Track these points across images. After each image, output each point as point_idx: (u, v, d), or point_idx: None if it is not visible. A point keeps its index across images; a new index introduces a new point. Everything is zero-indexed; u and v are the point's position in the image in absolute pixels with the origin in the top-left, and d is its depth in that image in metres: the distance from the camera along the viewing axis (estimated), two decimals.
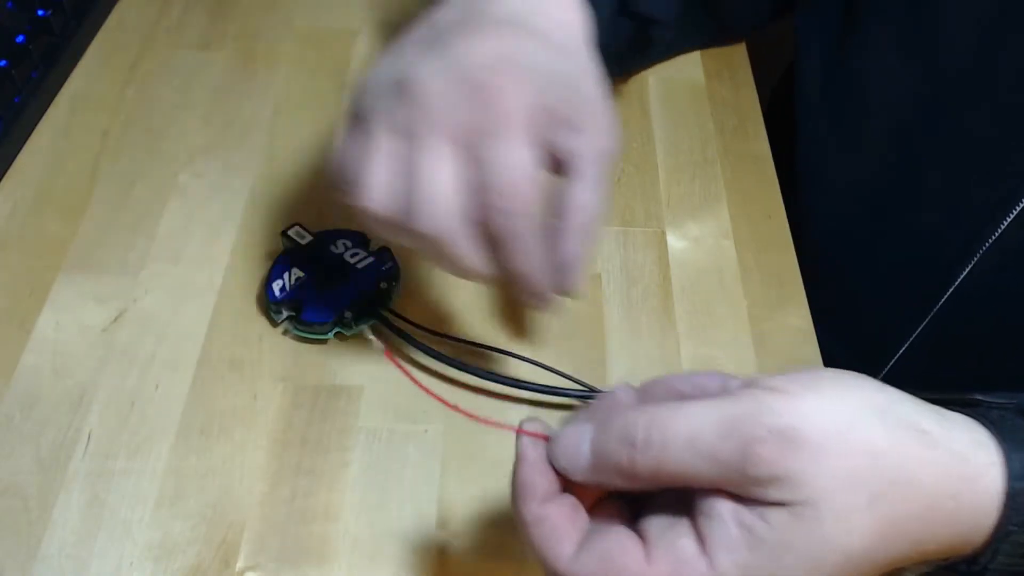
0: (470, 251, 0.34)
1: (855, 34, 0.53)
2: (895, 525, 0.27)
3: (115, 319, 0.45)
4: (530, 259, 0.34)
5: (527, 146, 0.33)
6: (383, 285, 0.46)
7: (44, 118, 0.54)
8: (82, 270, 0.47)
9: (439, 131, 0.33)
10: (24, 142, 0.53)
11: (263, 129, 0.55)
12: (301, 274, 0.46)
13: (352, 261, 0.46)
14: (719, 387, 0.30)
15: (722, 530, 0.27)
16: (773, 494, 0.26)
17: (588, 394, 0.43)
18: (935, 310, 0.52)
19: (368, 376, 0.44)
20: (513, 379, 0.43)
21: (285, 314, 0.45)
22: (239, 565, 0.38)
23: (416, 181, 0.33)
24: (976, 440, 0.28)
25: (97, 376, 0.43)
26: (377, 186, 0.34)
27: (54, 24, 0.55)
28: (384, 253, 0.47)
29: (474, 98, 0.33)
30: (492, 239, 0.34)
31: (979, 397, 0.31)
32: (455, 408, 0.32)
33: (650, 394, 0.31)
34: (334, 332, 0.45)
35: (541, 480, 0.29)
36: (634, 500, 0.30)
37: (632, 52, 0.52)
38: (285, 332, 0.45)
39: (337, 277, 0.47)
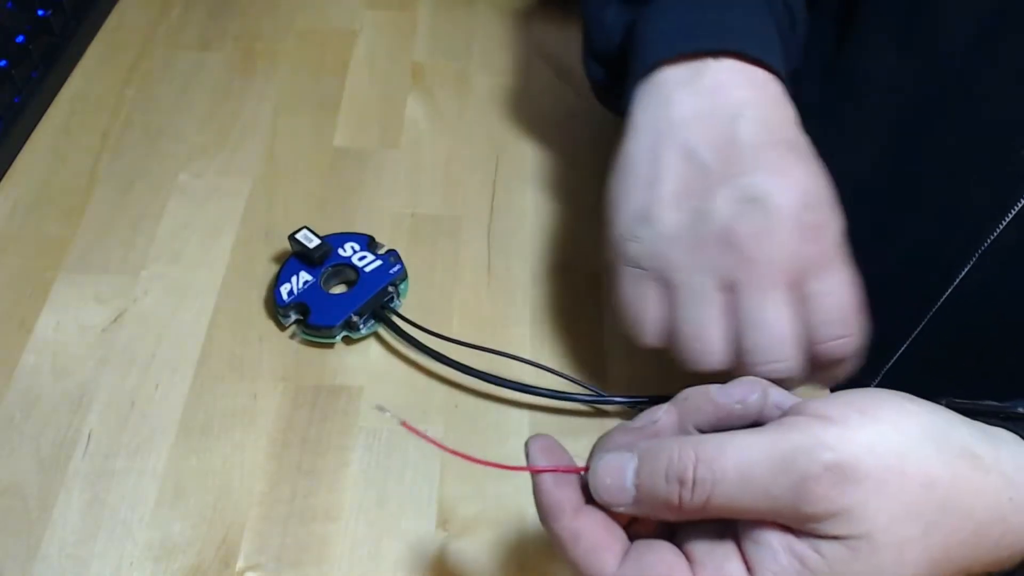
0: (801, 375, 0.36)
1: (854, 34, 0.53)
2: (946, 552, 0.26)
3: (115, 319, 0.45)
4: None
5: (846, 270, 0.36)
6: (390, 288, 0.46)
7: (44, 118, 0.54)
8: (82, 270, 0.47)
9: (773, 277, 0.35)
10: (24, 142, 0.53)
11: (263, 129, 0.55)
12: (309, 277, 0.46)
13: (360, 264, 0.46)
14: (760, 400, 0.29)
15: (772, 559, 0.26)
16: (828, 529, 0.25)
17: (595, 398, 0.43)
18: (934, 310, 0.52)
19: (368, 376, 0.44)
20: (518, 383, 0.43)
21: (293, 317, 0.45)
22: (239, 565, 0.38)
23: (759, 329, 0.35)
24: (1022, 463, 0.28)
25: (97, 376, 0.43)
26: (717, 342, 0.35)
27: (54, 24, 0.55)
28: (391, 256, 0.47)
29: (803, 238, 0.35)
30: (817, 362, 0.36)
31: (1021, 411, 0.30)
32: (468, 458, 0.31)
33: (689, 410, 0.30)
34: (341, 336, 0.45)
35: (567, 494, 0.29)
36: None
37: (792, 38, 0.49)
38: (293, 335, 0.45)
39: (345, 281, 0.47)
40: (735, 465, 0.26)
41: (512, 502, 0.41)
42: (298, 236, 0.46)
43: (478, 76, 0.59)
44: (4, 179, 0.51)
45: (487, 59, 0.60)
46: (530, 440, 0.30)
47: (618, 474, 0.28)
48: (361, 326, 0.44)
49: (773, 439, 0.26)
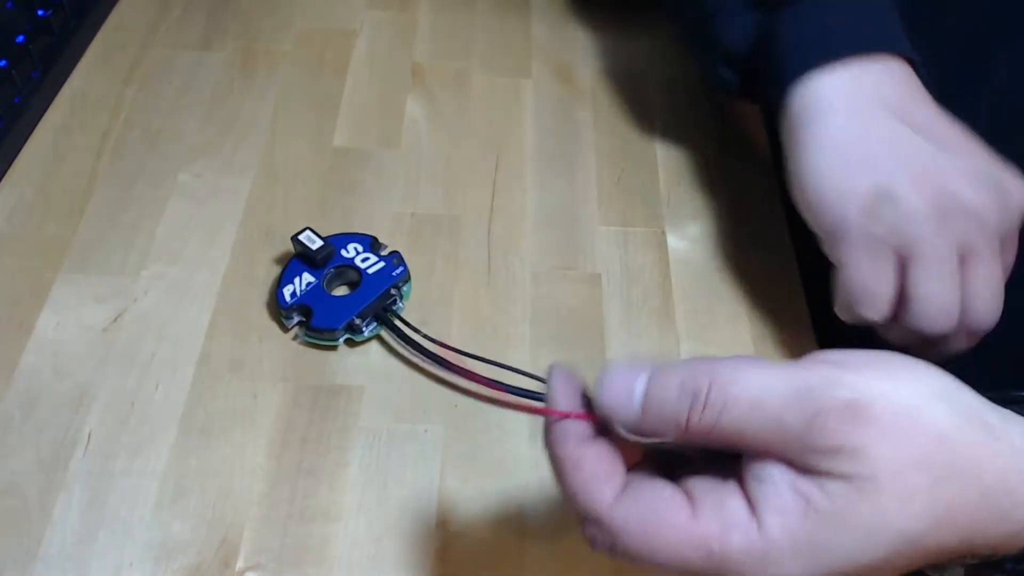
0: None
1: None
2: (951, 511, 0.26)
3: (115, 319, 0.45)
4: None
5: None
6: (393, 291, 0.45)
7: (44, 118, 0.54)
8: (82, 270, 0.47)
9: (997, 247, 0.40)
10: (24, 142, 0.53)
11: (263, 129, 0.55)
12: (312, 279, 0.46)
13: (363, 266, 0.46)
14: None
15: (775, 495, 0.26)
16: (834, 466, 0.25)
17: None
18: None
19: (368, 376, 0.44)
20: (520, 389, 0.43)
21: (296, 319, 0.45)
22: (239, 565, 0.38)
23: (983, 294, 0.41)
24: None
25: (97, 376, 0.43)
26: (955, 305, 0.40)
27: (54, 24, 0.55)
28: (394, 257, 0.47)
29: (1004, 204, 0.40)
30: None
31: (1022, 395, 0.31)
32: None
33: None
34: (344, 339, 0.45)
35: (575, 425, 0.29)
36: (669, 463, 0.29)
37: None
38: (295, 337, 0.45)
39: (348, 283, 0.47)
40: (750, 389, 0.26)
41: (512, 502, 0.41)
42: (301, 237, 0.46)
43: (478, 76, 0.59)
44: (4, 179, 0.51)
45: (487, 59, 0.60)
46: (553, 368, 0.30)
47: (627, 386, 0.28)
48: (364, 329, 0.44)
49: (790, 372, 0.26)
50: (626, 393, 0.28)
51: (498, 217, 0.52)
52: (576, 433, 0.28)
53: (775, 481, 0.26)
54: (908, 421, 0.26)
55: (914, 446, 0.26)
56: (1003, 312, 0.42)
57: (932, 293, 0.40)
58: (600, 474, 0.28)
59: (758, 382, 0.26)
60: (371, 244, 0.47)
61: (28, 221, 0.49)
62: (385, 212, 0.51)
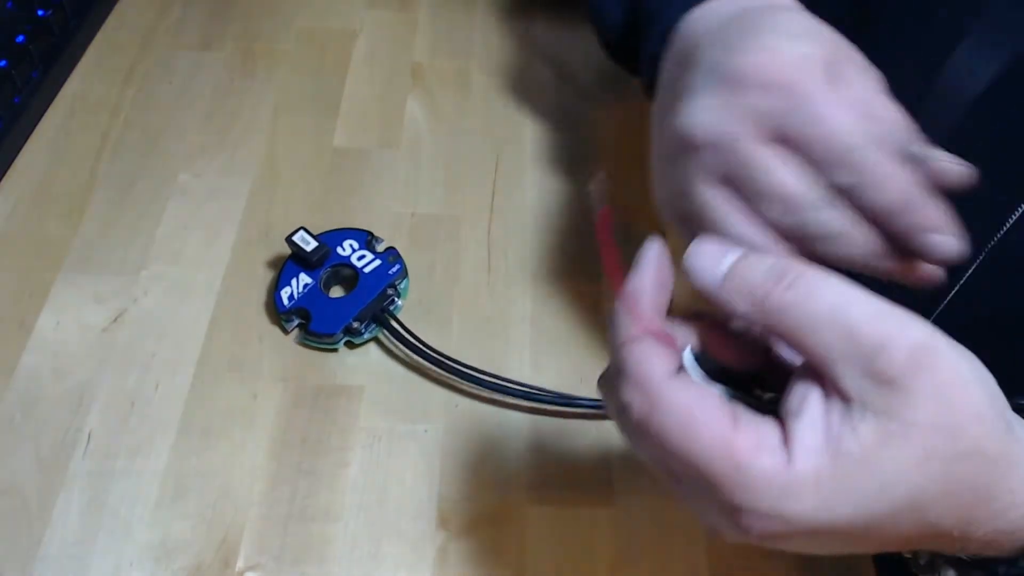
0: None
1: (860, 34, 0.53)
2: (960, 487, 0.27)
3: (115, 319, 0.45)
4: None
5: None
6: (390, 290, 0.45)
7: (44, 118, 0.54)
8: (82, 270, 0.47)
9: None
10: (24, 142, 0.53)
11: (263, 129, 0.55)
12: (309, 280, 0.45)
13: (359, 264, 0.46)
14: None
15: (810, 432, 0.26)
16: (878, 399, 0.26)
17: (594, 403, 0.43)
18: (937, 312, 0.52)
19: (368, 376, 0.44)
20: (519, 389, 0.43)
21: (296, 322, 0.45)
22: (239, 565, 0.38)
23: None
24: None
25: (97, 376, 0.43)
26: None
27: (54, 24, 0.55)
28: (390, 255, 0.47)
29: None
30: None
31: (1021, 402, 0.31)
32: None
33: None
34: (343, 341, 0.45)
35: (654, 295, 0.29)
36: None
37: None
38: (297, 341, 0.45)
39: (345, 282, 0.47)
40: (836, 294, 0.27)
41: (512, 502, 0.41)
42: (295, 238, 0.46)
43: (478, 76, 0.59)
44: (4, 179, 0.51)
45: (487, 59, 0.60)
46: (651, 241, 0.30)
47: (717, 257, 0.28)
48: (363, 331, 0.44)
49: (877, 300, 0.27)
50: (717, 256, 0.28)
51: (498, 217, 0.52)
52: (651, 308, 0.29)
53: (812, 418, 0.26)
54: (961, 389, 0.26)
55: (955, 413, 0.26)
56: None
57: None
58: (661, 349, 0.28)
59: (846, 291, 0.27)
60: (367, 240, 0.47)
61: (28, 221, 0.49)
62: (385, 212, 0.51)
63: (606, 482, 0.41)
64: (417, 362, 0.45)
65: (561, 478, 0.41)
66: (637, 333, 0.28)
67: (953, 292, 0.51)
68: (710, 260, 0.29)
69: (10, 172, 0.51)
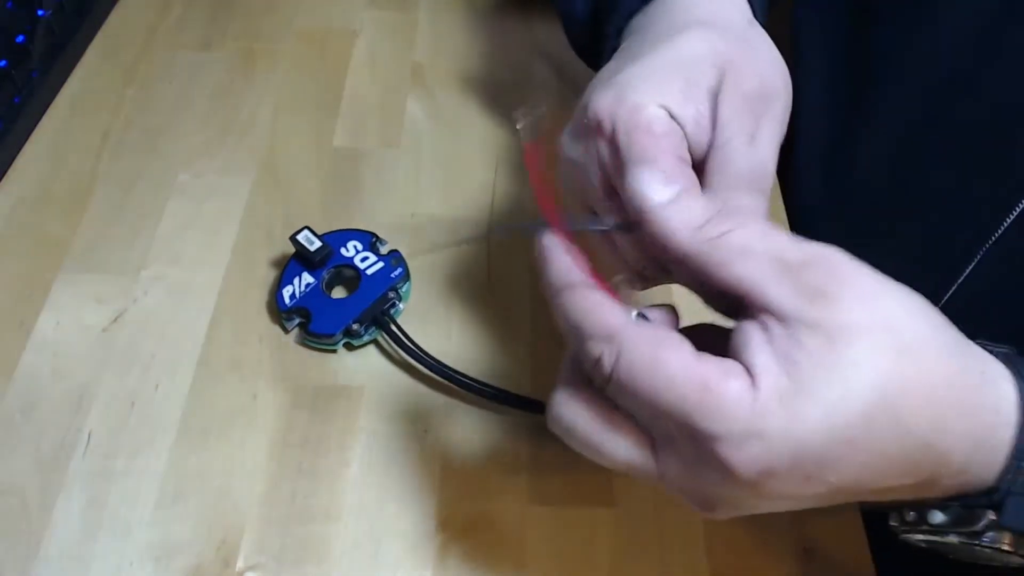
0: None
1: (858, 34, 0.53)
2: (919, 378, 0.28)
3: (115, 319, 0.45)
4: None
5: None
6: (391, 294, 0.45)
7: (44, 118, 0.54)
8: (82, 270, 0.47)
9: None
10: (24, 142, 0.53)
11: (263, 129, 0.55)
12: (311, 279, 0.45)
13: (362, 266, 0.46)
14: None
15: (760, 357, 0.27)
16: (814, 311, 0.27)
17: None
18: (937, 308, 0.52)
19: (368, 376, 0.44)
20: (518, 398, 0.43)
21: (296, 321, 0.45)
22: (239, 565, 0.38)
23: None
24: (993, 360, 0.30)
25: (97, 376, 0.43)
26: None
27: (54, 24, 0.55)
28: (393, 258, 0.46)
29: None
30: None
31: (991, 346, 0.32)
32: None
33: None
34: (343, 343, 0.45)
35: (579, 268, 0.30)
36: None
37: None
38: (297, 341, 0.45)
39: (347, 283, 0.47)
40: (763, 225, 0.29)
41: (512, 502, 0.41)
42: (299, 237, 0.46)
43: (478, 76, 0.59)
44: (4, 179, 0.51)
45: (487, 59, 0.60)
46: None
47: (663, 183, 0.31)
48: (362, 333, 0.44)
49: (798, 238, 0.29)
50: (663, 183, 0.31)
51: (498, 217, 0.52)
52: (581, 273, 0.30)
53: (758, 344, 0.28)
54: (886, 293, 0.29)
55: (886, 311, 0.28)
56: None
57: None
58: (609, 302, 0.29)
59: (772, 228, 0.29)
60: (371, 242, 0.47)
61: (28, 221, 0.49)
62: (385, 212, 0.51)
63: (606, 482, 0.41)
64: (417, 363, 0.45)
65: (561, 478, 0.41)
66: (582, 280, 0.29)
67: (953, 288, 0.51)
68: (658, 184, 0.31)
69: (10, 172, 0.51)
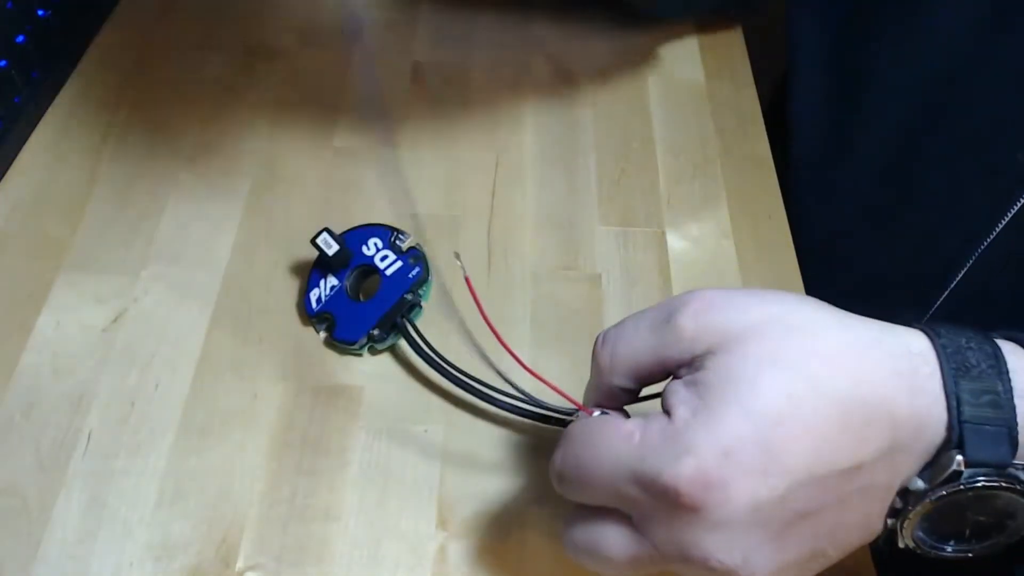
0: None
1: (853, 35, 0.53)
2: (819, 348, 0.29)
3: (115, 319, 0.45)
4: None
5: None
6: (409, 296, 0.44)
7: (44, 118, 0.54)
8: (82, 270, 0.47)
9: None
10: (24, 142, 0.53)
11: (263, 129, 0.55)
12: (335, 282, 0.45)
13: (382, 266, 0.45)
14: None
15: (676, 394, 0.30)
16: (702, 343, 0.30)
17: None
18: (931, 312, 0.52)
19: (368, 376, 0.44)
20: (535, 411, 0.42)
21: (324, 325, 0.45)
22: (239, 565, 0.38)
23: None
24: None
25: (97, 376, 0.43)
26: None
27: (54, 24, 0.55)
28: (411, 256, 0.46)
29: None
30: None
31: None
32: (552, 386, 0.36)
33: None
34: (367, 348, 0.45)
35: None
36: None
37: None
38: (325, 343, 0.45)
39: (369, 284, 0.46)
40: (633, 317, 0.33)
41: (512, 502, 0.41)
42: (318, 240, 0.45)
43: (478, 76, 0.59)
44: (4, 179, 0.51)
45: (487, 59, 0.60)
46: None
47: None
48: (383, 338, 0.44)
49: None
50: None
51: (498, 217, 0.52)
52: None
53: (675, 388, 0.30)
54: (761, 299, 0.31)
55: (764, 310, 0.30)
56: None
57: None
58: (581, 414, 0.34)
59: (638, 313, 0.33)
60: (390, 239, 0.46)
61: (28, 221, 0.49)
62: (385, 213, 0.51)
63: None
64: (418, 362, 0.45)
65: None
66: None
67: (948, 290, 0.51)
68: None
69: (10, 172, 0.51)
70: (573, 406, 0.35)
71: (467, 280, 0.36)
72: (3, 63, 0.51)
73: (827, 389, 0.29)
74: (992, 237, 0.48)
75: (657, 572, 0.32)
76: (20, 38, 0.53)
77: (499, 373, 0.44)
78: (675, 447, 0.28)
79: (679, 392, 0.30)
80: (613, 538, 0.31)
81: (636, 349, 0.32)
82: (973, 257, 0.49)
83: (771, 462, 0.28)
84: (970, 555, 0.32)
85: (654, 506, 0.29)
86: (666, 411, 0.30)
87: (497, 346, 0.45)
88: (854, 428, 0.29)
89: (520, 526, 0.40)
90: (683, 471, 0.28)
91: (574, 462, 0.31)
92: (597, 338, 0.34)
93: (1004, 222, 0.47)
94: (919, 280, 0.52)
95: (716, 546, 0.29)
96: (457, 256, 0.38)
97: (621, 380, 0.33)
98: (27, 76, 0.53)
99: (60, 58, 0.56)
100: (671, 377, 0.32)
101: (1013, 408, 0.29)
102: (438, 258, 0.49)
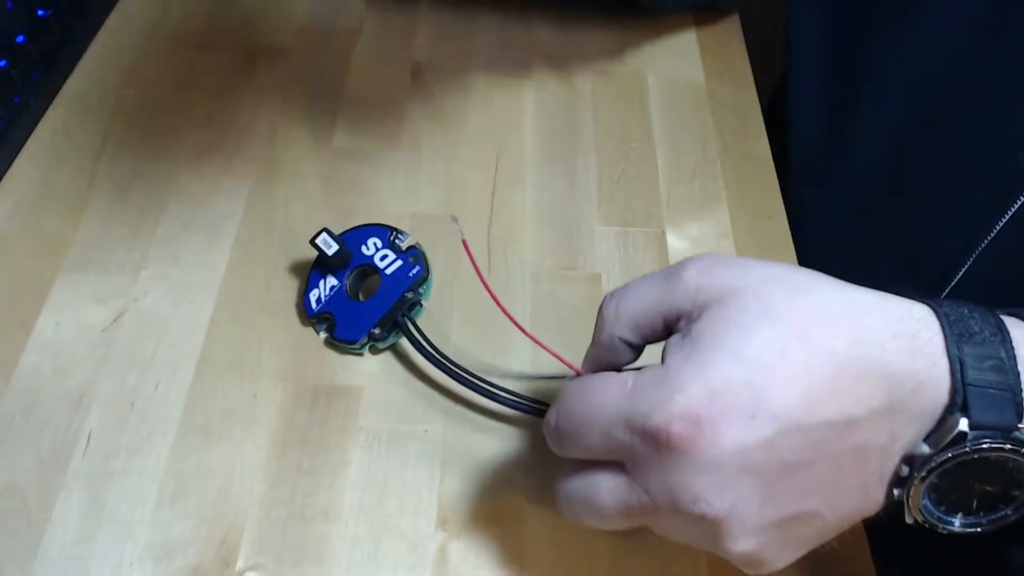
0: None
1: (853, 37, 0.53)
2: (814, 311, 0.30)
3: (115, 319, 0.45)
4: None
5: None
6: (409, 295, 0.44)
7: (44, 118, 0.54)
8: (82, 270, 0.47)
9: None
10: (24, 142, 0.53)
11: (263, 129, 0.55)
12: (335, 282, 0.45)
13: (381, 266, 0.45)
14: None
15: (672, 346, 0.31)
16: (702, 297, 0.31)
17: None
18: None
19: (368, 376, 0.44)
20: (537, 407, 0.42)
21: (324, 326, 0.45)
22: (239, 565, 0.38)
23: None
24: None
25: (97, 376, 0.43)
26: None
27: (54, 24, 0.55)
28: (411, 255, 0.46)
29: None
30: None
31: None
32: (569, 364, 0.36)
33: None
34: (367, 347, 0.44)
35: None
36: None
37: None
38: (326, 343, 0.45)
39: (369, 283, 0.46)
40: (642, 276, 0.34)
41: (512, 502, 0.41)
42: (317, 240, 0.45)
43: (478, 76, 0.59)
44: (4, 179, 0.51)
45: (487, 59, 0.60)
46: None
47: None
48: (384, 337, 0.44)
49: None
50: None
51: (498, 217, 0.52)
52: None
53: (672, 340, 0.31)
54: (763, 264, 0.32)
55: (765, 271, 0.31)
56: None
57: None
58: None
59: (637, 279, 0.34)
60: (389, 238, 0.46)
61: (28, 221, 0.49)
62: (385, 212, 0.51)
63: None
64: (418, 362, 0.45)
65: None
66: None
67: (947, 291, 0.51)
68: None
69: (10, 172, 0.51)
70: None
71: (464, 243, 0.36)
72: (3, 63, 0.51)
73: (820, 347, 0.29)
74: (991, 237, 0.48)
75: (647, 524, 0.32)
76: (20, 38, 0.53)
77: (500, 372, 0.44)
78: (665, 388, 0.29)
79: (675, 343, 0.31)
80: (606, 487, 0.31)
81: (641, 299, 0.33)
82: (972, 257, 0.49)
83: (759, 406, 0.28)
84: (979, 530, 0.32)
85: (645, 449, 0.29)
86: (663, 363, 0.31)
87: (498, 343, 0.46)
88: (847, 382, 0.29)
89: (520, 526, 0.40)
90: (672, 409, 0.29)
91: (568, 415, 0.32)
92: (604, 297, 0.34)
93: (1003, 222, 0.47)
94: (918, 280, 0.52)
95: (705, 488, 0.29)
96: (454, 219, 0.38)
97: (624, 331, 0.33)
98: (27, 76, 0.53)
99: (60, 58, 0.56)
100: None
101: (1018, 375, 0.29)
102: (438, 257, 0.49)
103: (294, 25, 0.61)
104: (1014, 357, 0.29)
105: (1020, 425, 0.29)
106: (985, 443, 0.29)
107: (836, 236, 0.57)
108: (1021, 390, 0.29)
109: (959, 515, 0.32)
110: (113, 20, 0.61)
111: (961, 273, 0.50)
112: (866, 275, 0.58)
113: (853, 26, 0.53)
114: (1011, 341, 0.29)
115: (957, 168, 0.49)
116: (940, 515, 0.31)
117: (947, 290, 0.51)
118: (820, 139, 0.57)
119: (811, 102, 0.57)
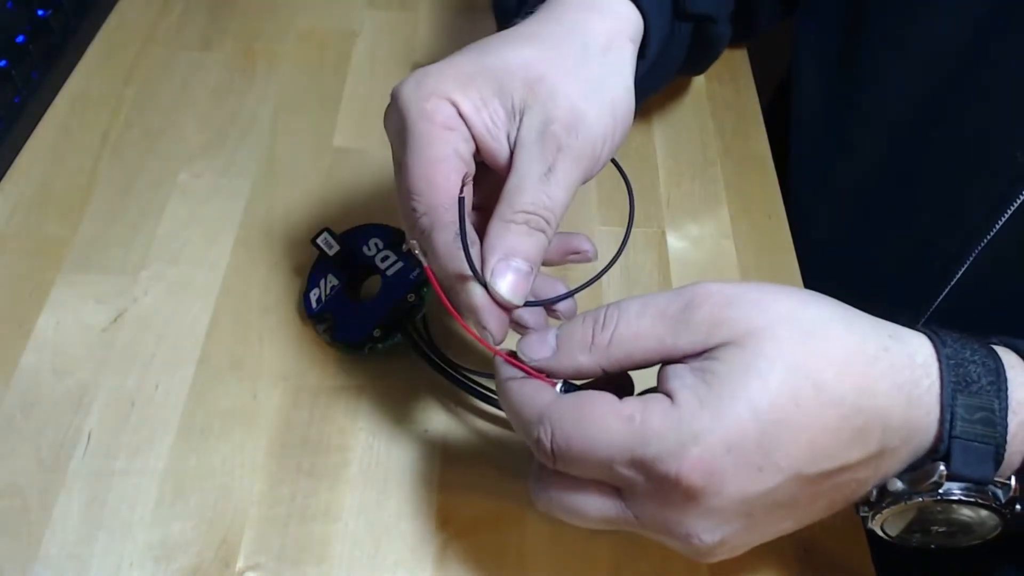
0: None
1: (853, 37, 0.53)
2: (827, 355, 0.30)
3: (115, 319, 0.45)
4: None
5: None
6: (410, 297, 0.44)
7: (44, 118, 0.54)
8: (82, 270, 0.47)
9: None
10: (24, 142, 0.53)
11: (263, 129, 0.55)
12: (336, 281, 0.45)
13: (383, 267, 0.45)
14: None
15: (681, 379, 0.30)
16: (717, 336, 0.30)
17: None
18: (930, 311, 0.52)
19: (368, 376, 0.44)
20: None
21: (324, 326, 0.45)
22: (239, 565, 0.38)
23: None
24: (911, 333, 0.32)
25: (97, 376, 0.43)
26: None
27: (54, 24, 0.55)
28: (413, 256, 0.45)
29: None
30: None
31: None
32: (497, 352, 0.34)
33: None
34: (368, 348, 0.44)
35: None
36: None
37: (694, 55, 0.51)
38: (328, 342, 0.45)
39: (370, 284, 0.46)
40: (637, 301, 0.32)
41: (512, 502, 0.41)
42: (318, 240, 0.45)
43: None
44: (4, 179, 0.51)
45: None
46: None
47: (543, 338, 0.33)
48: (387, 337, 0.44)
49: (671, 291, 0.32)
50: (541, 339, 0.33)
51: None
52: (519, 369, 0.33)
53: (679, 372, 0.30)
54: (773, 291, 0.31)
55: (779, 308, 0.30)
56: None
57: None
58: (540, 384, 0.32)
59: (643, 298, 0.32)
60: (391, 238, 0.46)
61: (28, 221, 0.49)
62: (385, 213, 0.51)
63: None
64: (418, 362, 0.45)
65: None
66: (512, 376, 0.33)
67: (947, 290, 0.51)
68: (538, 341, 0.33)
69: (10, 172, 0.51)
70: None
71: (428, 269, 0.34)
72: (3, 63, 0.51)
73: (832, 396, 0.29)
74: (991, 236, 0.48)
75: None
76: (20, 38, 0.53)
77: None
78: (680, 434, 0.29)
79: (684, 377, 0.30)
80: (595, 505, 0.32)
81: (639, 334, 0.31)
82: (972, 256, 0.49)
83: (767, 460, 0.29)
84: (932, 547, 0.33)
85: (648, 486, 0.30)
86: (666, 393, 0.30)
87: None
88: (849, 433, 0.30)
89: (520, 526, 0.40)
90: (686, 460, 0.29)
91: (565, 439, 0.30)
92: (592, 315, 0.32)
93: (1002, 221, 0.47)
94: (918, 279, 0.52)
95: (701, 528, 0.30)
96: (415, 246, 0.35)
97: (612, 363, 0.32)
98: (27, 76, 0.53)
99: (60, 58, 0.56)
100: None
101: (1006, 427, 0.30)
102: None
103: (294, 25, 0.61)
104: (1006, 408, 0.30)
105: (996, 477, 0.30)
106: (955, 495, 0.30)
107: (836, 235, 0.57)
108: (1006, 443, 0.30)
109: (917, 535, 0.33)
110: (113, 20, 0.61)
111: (961, 271, 0.50)
112: (866, 274, 0.58)
113: (854, 26, 0.53)
114: (1007, 390, 0.30)
115: (957, 167, 0.49)
116: (900, 534, 0.33)
117: (947, 288, 0.51)
118: (820, 139, 0.57)
119: (812, 102, 0.57)
